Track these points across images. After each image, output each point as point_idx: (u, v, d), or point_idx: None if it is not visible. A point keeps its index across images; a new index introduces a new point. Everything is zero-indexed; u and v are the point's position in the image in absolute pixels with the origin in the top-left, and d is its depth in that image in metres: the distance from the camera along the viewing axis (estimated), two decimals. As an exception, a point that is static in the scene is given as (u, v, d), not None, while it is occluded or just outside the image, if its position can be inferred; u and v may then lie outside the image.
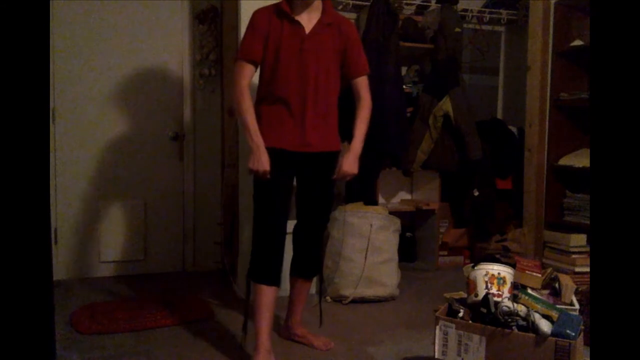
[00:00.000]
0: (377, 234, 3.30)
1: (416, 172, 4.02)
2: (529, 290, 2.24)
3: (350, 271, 3.24)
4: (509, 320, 1.92)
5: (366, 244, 3.27)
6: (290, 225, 2.48)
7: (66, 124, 3.62)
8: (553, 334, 1.86)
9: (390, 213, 3.45)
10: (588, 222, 3.47)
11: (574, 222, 3.63)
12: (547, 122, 3.74)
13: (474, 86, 4.36)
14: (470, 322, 2.02)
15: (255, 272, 2.39)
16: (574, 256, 3.48)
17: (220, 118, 3.90)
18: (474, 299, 2.09)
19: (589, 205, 3.42)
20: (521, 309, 1.95)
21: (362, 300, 3.24)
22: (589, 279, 2.80)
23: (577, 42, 3.67)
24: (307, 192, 2.50)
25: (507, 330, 1.92)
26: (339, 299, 3.26)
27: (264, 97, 2.43)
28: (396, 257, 3.40)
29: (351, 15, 4.00)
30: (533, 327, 1.89)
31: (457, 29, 3.84)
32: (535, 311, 1.97)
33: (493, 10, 4.27)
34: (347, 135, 2.55)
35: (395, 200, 4.25)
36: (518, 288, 2.21)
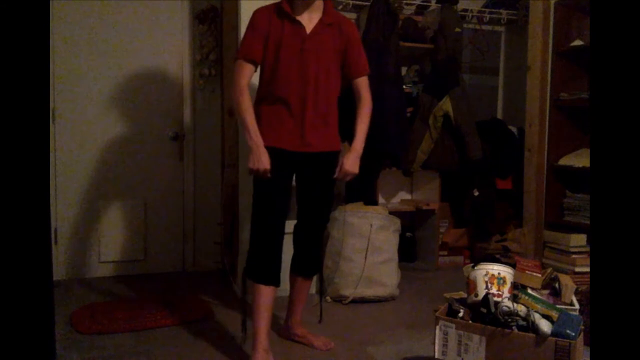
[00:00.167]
0: (377, 234, 3.30)
1: (416, 172, 4.02)
2: (529, 290, 2.24)
3: (350, 271, 3.24)
4: (509, 320, 1.92)
5: (366, 244, 3.27)
6: (290, 225, 2.48)
7: (66, 124, 3.62)
8: (553, 334, 1.86)
9: (390, 213, 3.45)
10: (588, 222, 3.47)
11: (574, 222, 3.63)
12: (547, 122, 3.74)
13: (474, 86, 4.35)
14: (470, 322, 2.01)
15: (253, 271, 2.39)
16: (574, 256, 3.48)
17: (220, 118, 3.90)
18: (474, 299, 2.09)
19: (589, 205, 3.42)
20: (521, 309, 1.94)
21: (362, 300, 3.24)
22: (589, 279, 2.80)
23: (577, 42, 3.67)
24: (307, 192, 2.50)
25: (507, 330, 1.92)
26: (339, 299, 3.26)
27: (264, 97, 2.43)
28: (396, 257, 3.40)
29: (351, 15, 4.00)
30: (533, 327, 1.89)
31: (457, 29, 3.84)
32: (535, 311, 1.97)
33: (493, 10, 4.27)
34: (347, 135, 2.55)
35: (395, 200, 4.25)
36: (518, 288, 2.21)
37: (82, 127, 3.65)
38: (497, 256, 3.22)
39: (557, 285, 2.40)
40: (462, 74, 3.96)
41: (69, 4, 3.56)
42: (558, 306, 2.16)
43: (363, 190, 3.67)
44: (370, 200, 3.67)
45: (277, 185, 2.38)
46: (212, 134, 3.92)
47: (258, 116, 2.39)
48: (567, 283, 2.39)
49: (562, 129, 3.75)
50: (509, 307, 1.93)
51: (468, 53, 4.36)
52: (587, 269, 3.30)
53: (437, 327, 2.05)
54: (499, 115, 4.55)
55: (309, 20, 2.38)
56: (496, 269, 2.10)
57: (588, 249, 3.47)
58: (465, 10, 4.19)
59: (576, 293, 2.42)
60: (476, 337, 1.97)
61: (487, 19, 4.29)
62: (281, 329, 2.74)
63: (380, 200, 4.04)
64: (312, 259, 2.58)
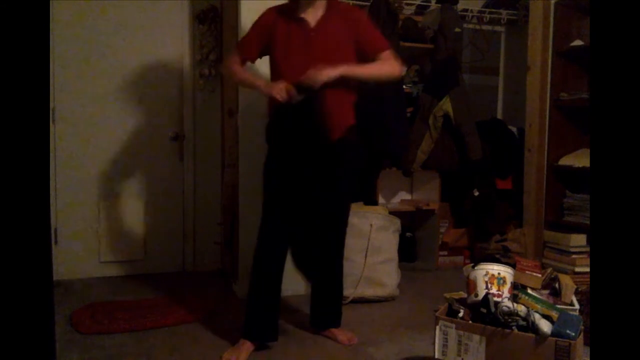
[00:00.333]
0: (377, 234, 3.30)
1: (416, 172, 4.02)
2: (529, 290, 2.24)
3: (350, 271, 3.23)
4: (509, 320, 1.92)
5: (366, 244, 3.27)
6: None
7: (66, 124, 3.62)
8: (553, 334, 1.86)
9: (390, 213, 3.45)
10: (588, 222, 3.47)
11: (574, 222, 3.63)
12: (547, 122, 3.74)
13: (474, 86, 4.36)
14: (470, 322, 2.01)
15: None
16: (574, 256, 3.48)
17: (220, 118, 3.89)
18: (474, 299, 2.09)
19: (589, 205, 3.42)
20: (521, 309, 1.94)
21: (362, 300, 3.24)
22: (589, 279, 2.80)
23: (577, 42, 3.67)
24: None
25: (507, 330, 1.92)
26: (339, 299, 3.26)
27: None
28: (396, 257, 3.40)
29: (351, 15, 4.00)
30: (533, 327, 1.89)
31: (457, 29, 3.84)
32: (535, 311, 1.97)
33: (493, 10, 4.27)
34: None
35: (395, 200, 4.25)
36: (518, 288, 2.21)
37: (82, 127, 3.65)
38: (497, 256, 3.22)
39: (557, 285, 2.40)
40: (462, 74, 3.96)
41: (69, 4, 3.56)
42: (558, 306, 2.16)
43: (363, 190, 3.66)
44: (370, 200, 3.67)
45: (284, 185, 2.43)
46: (212, 134, 3.92)
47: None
48: (567, 283, 2.39)
49: (562, 129, 3.75)
50: (509, 307, 1.93)
51: (468, 53, 4.36)
52: (587, 269, 3.30)
53: (437, 327, 2.05)
54: (499, 115, 4.55)
55: (314, 17, 2.41)
56: (496, 269, 2.10)
57: (588, 249, 3.47)
58: (465, 10, 4.19)
59: (576, 293, 2.41)
60: (476, 337, 1.96)
61: (487, 19, 4.29)
62: (309, 323, 2.76)
63: (380, 200, 4.04)
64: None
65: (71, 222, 3.66)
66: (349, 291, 3.23)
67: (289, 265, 2.57)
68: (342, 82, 2.37)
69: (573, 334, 1.85)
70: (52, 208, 3.45)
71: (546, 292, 2.36)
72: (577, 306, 2.33)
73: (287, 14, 2.42)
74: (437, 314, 2.10)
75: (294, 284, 3.10)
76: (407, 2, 3.98)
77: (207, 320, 2.91)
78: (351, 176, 2.54)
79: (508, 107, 4.55)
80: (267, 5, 2.55)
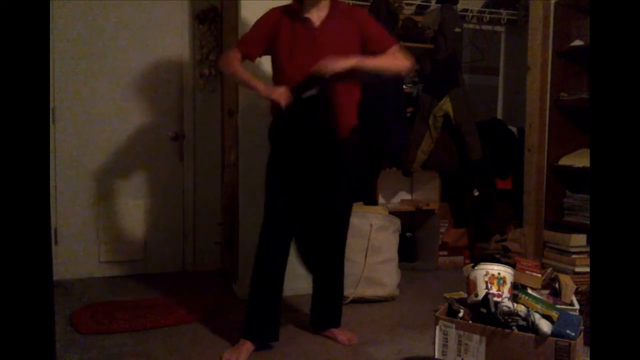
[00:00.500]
0: (377, 234, 3.30)
1: (416, 172, 4.02)
2: (529, 290, 2.24)
3: (350, 271, 3.23)
4: (509, 320, 1.92)
5: (366, 244, 3.27)
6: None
7: (66, 124, 3.62)
8: (553, 334, 1.86)
9: (390, 213, 3.45)
10: (588, 222, 3.47)
11: (574, 222, 3.63)
12: (547, 122, 3.74)
13: (474, 86, 4.36)
14: (470, 322, 2.01)
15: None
16: (574, 256, 3.48)
17: (220, 118, 3.89)
18: (474, 299, 2.09)
19: (589, 205, 3.42)
20: (521, 309, 1.94)
21: (362, 300, 3.24)
22: (589, 279, 2.80)
23: (577, 42, 3.67)
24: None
25: (507, 330, 1.92)
26: (339, 299, 3.26)
27: None
28: (396, 257, 3.40)
29: (351, 15, 4.00)
30: (533, 327, 1.89)
31: (457, 29, 3.85)
32: (535, 311, 1.97)
33: (493, 10, 4.27)
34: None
35: (395, 200, 4.25)
36: (518, 288, 2.21)
37: (82, 127, 3.65)
38: (497, 256, 3.21)
39: (557, 285, 2.40)
40: (462, 74, 3.96)
41: (69, 4, 3.56)
42: (558, 306, 2.16)
43: (363, 190, 3.66)
44: (370, 200, 3.67)
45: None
46: (212, 134, 3.92)
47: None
48: (567, 283, 2.39)
49: (562, 129, 3.75)
50: (509, 307, 1.93)
51: (468, 53, 4.36)
52: (587, 269, 3.30)
53: (437, 327, 2.05)
54: (499, 115, 4.55)
55: (318, 17, 2.41)
56: (496, 269, 2.10)
57: (588, 249, 3.47)
58: (465, 10, 4.19)
59: (576, 293, 2.41)
60: (476, 337, 1.96)
61: (487, 19, 4.29)
62: (309, 323, 2.76)
63: (380, 200, 4.04)
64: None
65: (71, 222, 3.66)
66: (349, 291, 3.23)
67: (290, 266, 2.57)
68: (352, 77, 2.37)
69: (573, 334, 1.85)
70: (52, 208, 3.45)
71: (546, 292, 2.36)
72: (577, 306, 2.33)
73: (292, 14, 2.41)
74: (437, 314, 2.10)
75: (294, 284, 3.09)
76: (407, 2, 3.98)
77: (207, 320, 2.91)
78: (352, 176, 2.53)
79: (508, 107, 4.56)
80: (267, 5, 2.55)
